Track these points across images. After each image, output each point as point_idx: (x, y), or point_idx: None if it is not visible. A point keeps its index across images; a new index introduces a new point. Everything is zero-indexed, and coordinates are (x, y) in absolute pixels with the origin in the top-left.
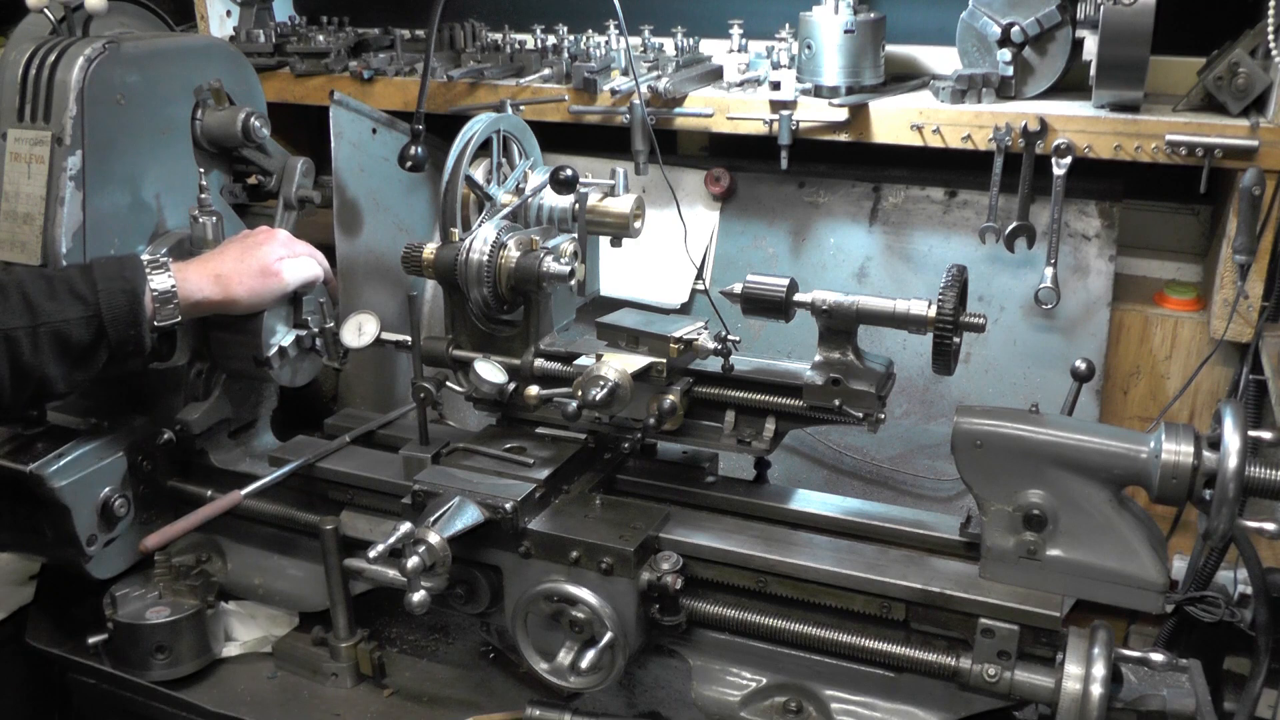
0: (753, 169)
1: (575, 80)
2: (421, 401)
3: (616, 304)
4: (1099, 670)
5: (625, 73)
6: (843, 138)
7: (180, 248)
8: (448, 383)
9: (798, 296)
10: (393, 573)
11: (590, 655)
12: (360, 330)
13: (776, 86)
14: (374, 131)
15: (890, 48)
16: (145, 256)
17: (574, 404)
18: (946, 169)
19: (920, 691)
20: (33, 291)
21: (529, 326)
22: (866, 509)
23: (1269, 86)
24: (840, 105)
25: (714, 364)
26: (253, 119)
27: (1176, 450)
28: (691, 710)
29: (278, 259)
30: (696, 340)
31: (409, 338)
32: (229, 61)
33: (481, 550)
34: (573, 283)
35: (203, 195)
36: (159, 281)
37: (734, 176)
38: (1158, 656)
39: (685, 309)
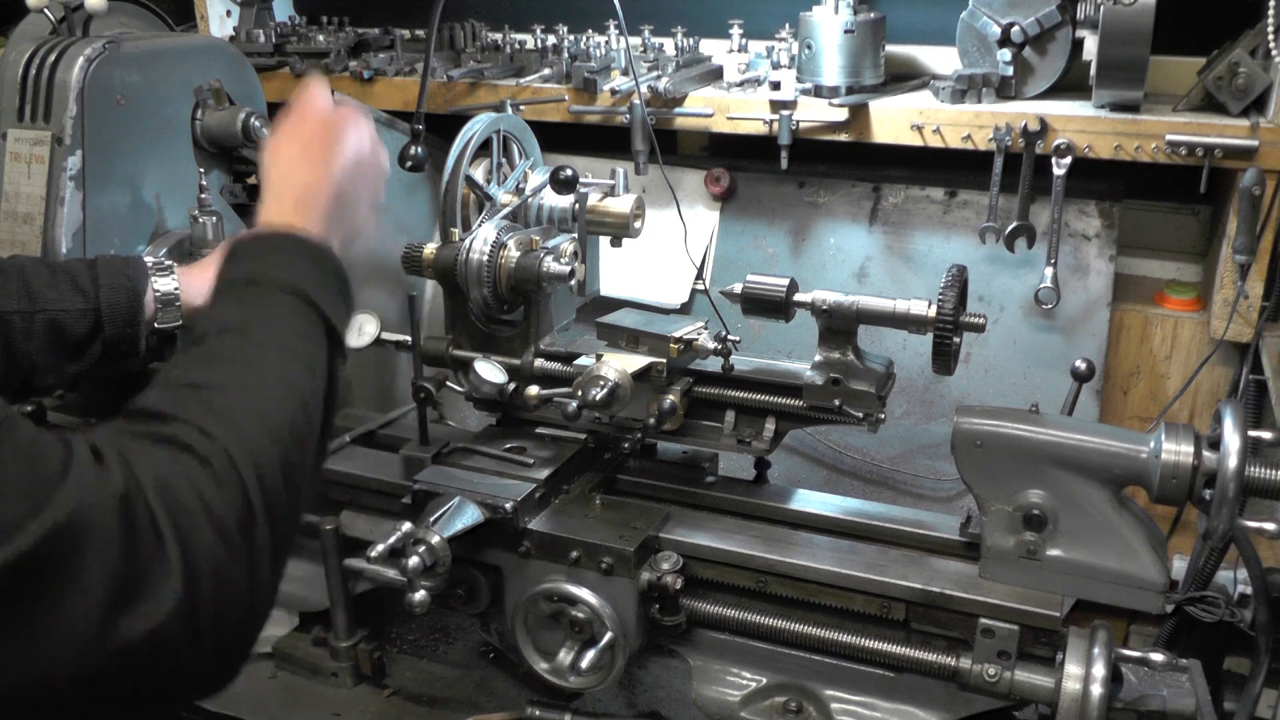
0: (753, 169)
1: (575, 80)
2: (421, 401)
3: (616, 304)
4: (1099, 670)
5: (625, 73)
6: (843, 138)
7: (180, 248)
8: (448, 383)
9: (798, 296)
10: (393, 573)
11: (590, 655)
12: (360, 330)
13: (776, 86)
14: None
15: (890, 48)
16: (150, 259)
17: (574, 404)
18: (946, 169)
19: (920, 691)
20: (33, 278)
21: (529, 326)
22: (866, 509)
23: (1269, 86)
24: (840, 105)
25: (714, 364)
26: (253, 119)
27: (1176, 450)
28: (691, 710)
29: None
30: (696, 340)
31: (409, 338)
32: (229, 61)
33: (481, 550)
34: (573, 283)
35: (203, 195)
36: (163, 284)
37: (734, 176)
38: (1158, 656)
39: (685, 309)
